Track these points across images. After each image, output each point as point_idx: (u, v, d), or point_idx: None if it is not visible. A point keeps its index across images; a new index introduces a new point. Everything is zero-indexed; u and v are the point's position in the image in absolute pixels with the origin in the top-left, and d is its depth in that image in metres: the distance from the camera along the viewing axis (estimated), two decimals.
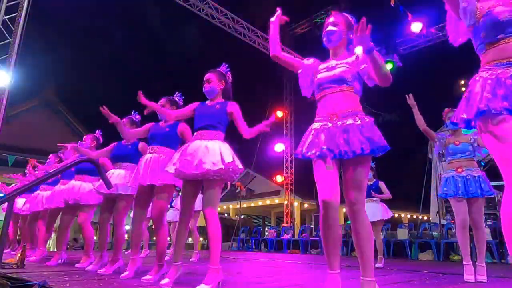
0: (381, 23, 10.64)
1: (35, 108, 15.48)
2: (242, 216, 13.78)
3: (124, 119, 3.73)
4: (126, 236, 10.47)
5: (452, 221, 7.30)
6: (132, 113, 3.84)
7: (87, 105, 20.90)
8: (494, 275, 3.34)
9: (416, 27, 9.51)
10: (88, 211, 4.02)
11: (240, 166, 2.46)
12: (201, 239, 6.02)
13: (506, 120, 1.39)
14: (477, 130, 1.53)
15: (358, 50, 1.97)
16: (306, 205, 14.99)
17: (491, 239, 6.02)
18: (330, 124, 1.91)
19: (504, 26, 1.45)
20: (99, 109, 3.16)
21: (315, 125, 1.98)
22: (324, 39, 2.11)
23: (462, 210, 3.22)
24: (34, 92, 15.44)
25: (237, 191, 12.51)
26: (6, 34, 6.67)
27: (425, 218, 13.70)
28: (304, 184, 12.59)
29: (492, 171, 3.35)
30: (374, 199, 5.24)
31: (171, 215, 6.46)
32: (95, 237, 4.96)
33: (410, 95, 3.36)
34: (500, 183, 8.01)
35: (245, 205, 15.70)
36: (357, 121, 1.87)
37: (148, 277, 2.72)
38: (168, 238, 3.21)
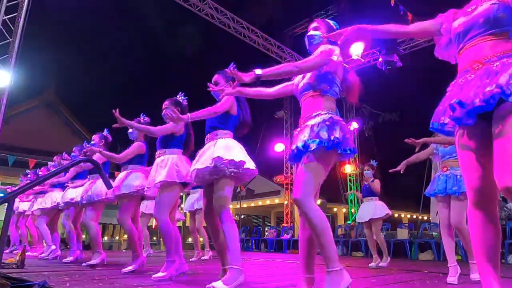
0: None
1: (35, 108, 15.49)
2: (242, 216, 13.79)
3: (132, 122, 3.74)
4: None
5: None
6: (141, 115, 3.81)
7: (87, 105, 20.94)
8: None
9: None
10: (96, 210, 4.02)
11: (238, 159, 2.38)
12: (201, 239, 6.02)
13: (457, 133, 1.53)
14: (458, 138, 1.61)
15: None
16: None
17: None
18: (298, 129, 2.03)
19: (461, 36, 1.55)
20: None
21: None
22: (306, 44, 2.19)
23: (442, 210, 3.27)
24: (34, 92, 15.47)
25: (237, 191, 12.50)
26: (6, 34, 6.67)
27: (425, 218, 13.70)
28: None
29: None
30: (372, 198, 5.28)
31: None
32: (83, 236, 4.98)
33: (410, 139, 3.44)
34: None
35: (245, 205, 15.70)
36: (312, 123, 1.92)
37: (160, 274, 2.76)
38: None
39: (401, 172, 3.75)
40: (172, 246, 2.94)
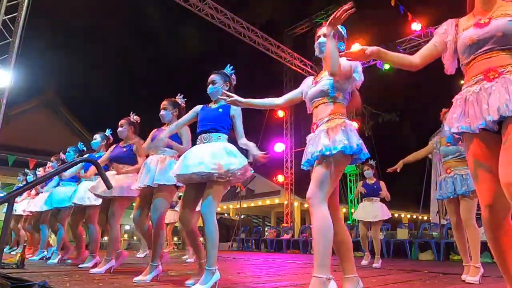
0: (381, 23, 10.66)
1: (35, 108, 15.49)
2: (242, 216, 13.78)
3: (121, 121, 3.73)
4: (126, 236, 10.49)
5: None
6: (131, 114, 3.82)
7: (87, 105, 20.94)
8: (494, 275, 3.33)
9: (416, 27, 9.52)
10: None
11: (240, 165, 2.38)
12: (201, 239, 5.98)
13: (467, 139, 1.54)
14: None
15: (355, 47, 2.02)
16: (306, 205, 14.99)
17: None
18: (311, 136, 2.08)
19: (473, 47, 1.56)
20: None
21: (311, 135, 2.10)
22: (316, 50, 2.18)
23: (453, 211, 3.28)
24: (34, 92, 15.46)
25: (237, 191, 12.50)
26: (6, 34, 6.67)
27: (425, 218, 13.70)
28: (304, 184, 12.57)
29: None
30: (374, 199, 5.24)
31: (170, 216, 6.46)
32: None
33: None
34: None
35: (245, 205, 15.70)
36: (328, 126, 1.99)
37: (141, 277, 2.74)
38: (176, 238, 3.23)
39: (397, 171, 3.76)
40: (159, 251, 2.91)
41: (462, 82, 1.65)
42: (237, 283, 2.70)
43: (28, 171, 6.88)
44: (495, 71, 1.46)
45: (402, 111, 13.68)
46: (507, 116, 1.37)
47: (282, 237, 9.79)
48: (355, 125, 2.15)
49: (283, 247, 9.47)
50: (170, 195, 3.00)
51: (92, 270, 3.30)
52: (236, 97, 2.27)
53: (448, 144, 3.33)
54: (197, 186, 2.50)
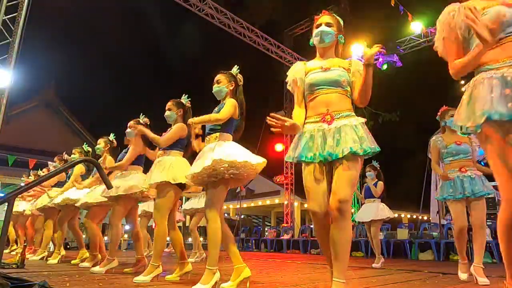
0: (381, 23, 10.65)
1: (35, 108, 15.48)
2: (242, 216, 13.78)
3: (130, 122, 3.72)
4: (126, 236, 10.50)
5: (453, 221, 7.29)
6: (140, 115, 3.80)
7: (87, 105, 20.93)
8: (494, 275, 3.33)
9: (416, 27, 9.51)
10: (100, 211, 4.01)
11: (240, 159, 2.33)
12: (201, 238, 6.01)
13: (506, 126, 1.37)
14: (480, 138, 1.51)
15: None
16: (306, 205, 14.96)
17: (491, 239, 6.02)
18: (324, 126, 1.92)
19: (505, 26, 1.47)
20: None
21: (310, 128, 1.96)
22: (316, 38, 2.10)
23: (462, 213, 3.20)
24: (34, 92, 15.45)
25: (237, 191, 12.50)
26: (6, 34, 6.67)
27: (425, 218, 13.69)
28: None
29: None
30: (373, 199, 5.27)
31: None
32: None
33: None
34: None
35: (245, 205, 15.70)
36: (351, 122, 1.90)
37: (141, 277, 2.74)
38: (168, 238, 3.21)
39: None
40: (161, 251, 2.92)
41: (462, 82, 1.61)
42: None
43: (31, 172, 6.90)
44: None
45: (402, 111, 13.66)
46: None
47: (282, 237, 9.79)
48: None
49: (283, 247, 9.47)
50: (175, 195, 2.99)
51: (93, 269, 3.30)
52: (287, 120, 1.84)
53: (459, 142, 3.27)
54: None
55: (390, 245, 7.44)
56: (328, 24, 2.09)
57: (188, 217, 6.43)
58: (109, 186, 2.32)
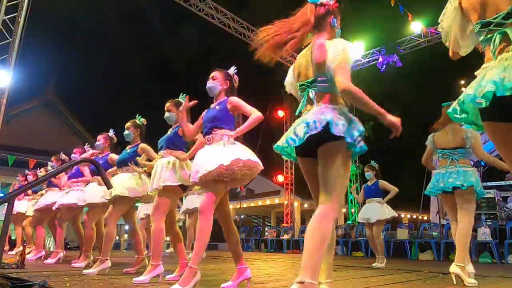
0: (381, 23, 10.65)
1: (35, 108, 15.48)
2: (242, 216, 13.78)
3: (127, 124, 3.71)
4: (126, 236, 10.50)
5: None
6: (137, 116, 3.79)
7: (87, 105, 20.93)
8: (494, 275, 3.33)
9: (416, 27, 9.52)
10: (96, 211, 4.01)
11: (241, 160, 2.31)
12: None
13: None
14: (488, 130, 1.38)
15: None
16: (306, 205, 14.98)
17: (491, 239, 6.02)
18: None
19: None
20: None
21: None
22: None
23: (448, 207, 3.26)
24: (34, 92, 15.45)
25: (237, 191, 12.49)
26: (6, 34, 6.67)
27: (425, 218, 13.69)
28: (304, 184, 12.50)
29: (492, 171, 3.30)
30: (374, 199, 5.24)
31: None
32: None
33: None
34: (500, 183, 8.00)
35: (245, 205, 15.69)
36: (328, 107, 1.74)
37: (141, 277, 2.74)
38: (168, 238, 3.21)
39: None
40: (160, 250, 2.91)
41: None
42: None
43: (28, 171, 6.87)
44: None
45: (402, 111, 13.66)
46: None
47: (282, 237, 9.79)
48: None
49: (283, 247, 9.47)
50: (174, 196, 2.97)
51: (86, 271, 3.23)
52: None
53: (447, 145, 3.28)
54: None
55: (390, 245, 7.44)
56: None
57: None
58: (109, 187, 2.31)
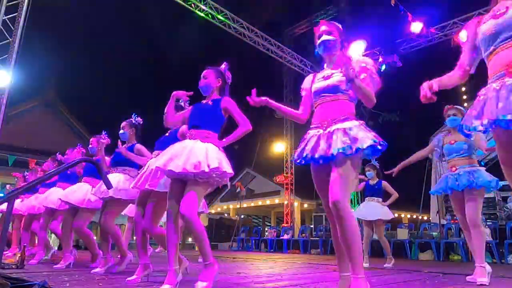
0: (381, 23, 10.65)
1: (35, 108, 15.49)
2: (242, 216, 13.78)
3: (123, 123, 3.71)
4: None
5: (452, 221, 7.30)
6: (132, 116, 3.78)
7: (87, 105, 20.93)
8: (494, 275, 3.33)
9: (416, 27, 9.51)
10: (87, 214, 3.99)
11: (229, 171, 2.30)
12: (189, 239, 6.00)
13: None
14: (494, 137, 1.56)
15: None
16: (306, 205, 14.99)
17: (491, 239, 6.02)
18: (321, 131, 2.01)
19: (491, 38, 1.55)
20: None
21: (310, 132, 2.09)
22: (320, 48, 2.17)
23: (458, 209, 3.25)
24: (34, 92, 15.46)
25: (237, 191, 12.50)
26: (6, 34, 6.67)
27: (425, 218, 13.69)
28: (304, 184, 12.61)
29: (492, 171, 3.30)
30: (375, 199, 5.24)
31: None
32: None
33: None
34: (500, 183, 7.99)
35: (245, 205, 15.69)
36: (344, 126, 1.95)
37: (134, 277, 2.74)
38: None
39: (393, 175, 3.71)
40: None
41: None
42: (237, 283, 2.70)
43: (27, 173, 6.86)
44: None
45: (402, 111, 13.67)
46: None
47: (282, 237, 9.79)
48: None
49: (283, 247, 9.46)
50: (164, 201, 2.93)
51: (94, 271, 3.28)
52: (267, 99, 2.25)
53: (452, 142, 3.29)
54: (181, 183, 2.37)
55: (390, 245, 7.43)
56: (328, 32, 2.15)
57: None
58: (109, 186, 2.31)
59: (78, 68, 22.48)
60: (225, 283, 2.65)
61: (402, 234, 7.50)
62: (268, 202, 15.57)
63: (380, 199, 5.22)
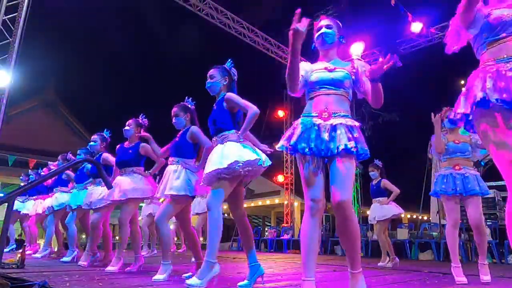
0: (381, 23, 10.65)
1: (35, 108, 15.49)
2: None
3: (129, 120, 3.72)
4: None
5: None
6: (140, 116, 3.78)
7: (87, 105, 20.93)
8: (494, 275, 3.33)
9: (416, 27, 9.51)
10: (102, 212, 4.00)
11: (252, 158, 2.37)
12: (201, 238, 6.02)
13: (503, 113, 1.43)
14: (475, 126, 1.57)
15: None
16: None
17: (491, 239, 6.02)
18: (320, 121, 1.95)
19: (506, 25, 1.53)
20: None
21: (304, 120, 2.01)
22: (318, 41, 2.16)
23: (456, 209, 3.22)
24: (34, 92, 15.45)
25: None
26: (6, 34, 6.67)
27: (425, 218, 13.69)
28: None
29: (492, 171, 3.32)
30: (378, 199, 5.26)
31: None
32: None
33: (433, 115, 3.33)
34: (500, 183, 8.00)
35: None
36: (347, 122, 1.94)
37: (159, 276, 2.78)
38: (176, 238, 3.26)
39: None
40: (168, 250, 2.96)
41: (462, 82, 1.65)
42: (237, 283, 2.70)
43: (31, 172, 6.88)
44: None
45: (402, 111, 13.66)
46: None
47: (282, 237, 9.79)
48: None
49: (283, 247, 9.46)
50: (178, 205, 2.94)
51: (107, 269, 3.37)
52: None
53: (457, 141, 3.28)
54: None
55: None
56: (328, 26, 2.14)
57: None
58: (109, 186, 2.32)
59: (78, 68, 22.47)
60: (225, 283, 2.65)
61: (402, 234, 7.51)
62: (268, 202, 15.56)
63: (383, 198, 5.24)
